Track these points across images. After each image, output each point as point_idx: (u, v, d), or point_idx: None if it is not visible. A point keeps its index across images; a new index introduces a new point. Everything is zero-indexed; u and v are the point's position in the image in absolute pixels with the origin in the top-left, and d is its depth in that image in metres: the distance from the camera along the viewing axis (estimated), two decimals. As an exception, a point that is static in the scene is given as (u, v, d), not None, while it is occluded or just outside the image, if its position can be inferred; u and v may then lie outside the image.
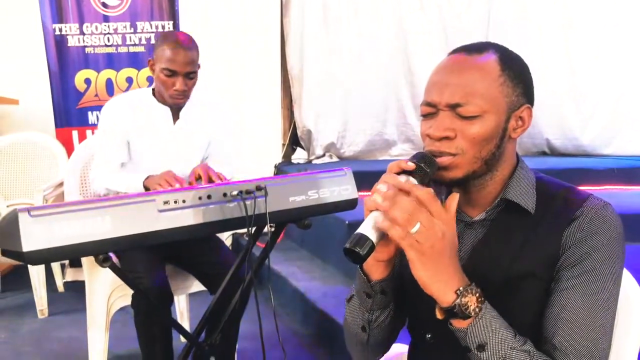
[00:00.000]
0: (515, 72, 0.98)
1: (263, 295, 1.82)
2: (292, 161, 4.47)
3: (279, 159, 4.41)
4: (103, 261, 1.38)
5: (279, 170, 4.20)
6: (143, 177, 1.96)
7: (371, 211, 0.89)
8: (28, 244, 1.26)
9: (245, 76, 4.15)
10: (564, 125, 4.44)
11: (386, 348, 1.16)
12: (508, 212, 1.00)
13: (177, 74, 2.05)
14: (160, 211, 1.41)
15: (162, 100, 2.19)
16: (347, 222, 3.06)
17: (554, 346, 0.91)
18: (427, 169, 0.93)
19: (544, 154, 4.56)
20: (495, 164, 0.99)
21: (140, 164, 2.20)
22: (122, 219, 1.37)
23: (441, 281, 0.87)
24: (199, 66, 2.15)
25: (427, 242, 0.84)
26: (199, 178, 1.96)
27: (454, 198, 0.91)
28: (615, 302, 0.93)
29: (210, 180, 1.95)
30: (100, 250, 1.37)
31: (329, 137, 4.39)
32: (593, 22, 4.41)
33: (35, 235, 1.26)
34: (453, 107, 0.95)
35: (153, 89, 2.23)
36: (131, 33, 3.65)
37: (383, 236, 0.88)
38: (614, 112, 4.46)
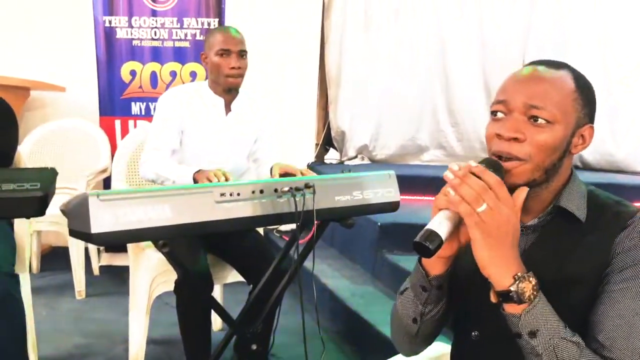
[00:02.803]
0: (586, 93, 1.04)
1: (292, 290, 1.89)
2: (325, 161, 4.52)
3: (311, 158, 4.47)
4: (162, 247, 1.46)
5: (312, 169, 4.24)
6: (194, 170, 2.04)
7: (440, 209, 0.94)
8: (96, 226, 1.34)
9: (284, 76, 4.23)
10: (598, 140, 4.42)
11: (431, 341, 1.21)
12: (559, 220, 1.05)
13: (230, 53, 2.20)
14: (217, 202, 1.49)
15: (217, 92, 2.29)
16: (379, 224, 3.11)
17: (599, 343, 0.94)
18: (495, 174, 0.96)
19: (576, 168, 4.53)
20: (554, 175, 1.04)
21: (191, 152, 2.29)
22: (181, 208, 1.44)
23: (501, 264, 0.91)
24: (247, 56, 2.27)
25: (493, 222, 0.89)
26: (285, 175, 1.99)
27: (523, 190, 0.96)
28: None
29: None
30: (160, 236, 1.45)
31: (362, 139, 4.44)
32: (631, 39, 4.39)
33: (102, 219, 1.34)
34: (529, 108, 0.99)
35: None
36: (177, 28, 3.74)
37: (451, 233, 0.93)
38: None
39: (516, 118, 1.00)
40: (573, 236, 1.03)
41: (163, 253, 1.54)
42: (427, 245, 0.91)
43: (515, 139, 1.00)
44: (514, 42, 4.38)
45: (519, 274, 0.92)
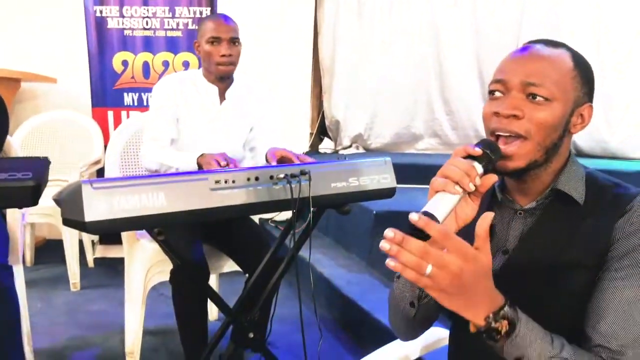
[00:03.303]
0: (585, 72, 1.03)
1: (288, 279, 1.88)
2: (319, 151, 4.51)
3: (306, 147, 4.45)
4: (157, 235, 1.45)
5: (306, 158, 4.24)
6: (197, 155, 2.02)
7: (437, 191, 0.93)
8: (90, 214, 1.33)
9: (277, 64, 4.20)
10: (592, 127, 4.43)
11: (429, 325, 1.21)
12: (558, 202, 1.04)
13: (221, 40, 2.18)
14: (212, 190, 1.48)
15: (211, 80, 2.28)
16: (374, 212, 3.09)
17: (598, 332, 0.94)
18: (492, 155, 0.97)
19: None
20: (553, 155, 1.03)
21: (186, 140, 2.27)
22: (176, 196, 1.43)
23: (469, 309, 0.85)
24: (240, 43, 2.26)
25: (443, 281, 0.81)
26: (281, 161, 1.99)
27: (488, 217, 0.88)
28: None
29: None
30: (155, 224, 1.44)
31: (357, 128, 4.42)
32: (625, 25, 4.39)
33: (96, 207, 1.33)
34: (526, 85, 0.98)
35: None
36: (169, 17, 3.71)
37: (448, 215, 0.92)
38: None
39: (514, 96, 1.00)
40: (572, 220, 1.02)
41: (158, 241, 1.53)
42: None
43: (514, 116, 0.99)
44: (507, 28, 4.36)
45: (490, 315, 0.86)
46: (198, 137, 2.27)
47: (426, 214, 0.90)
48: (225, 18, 2.23)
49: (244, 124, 2.36)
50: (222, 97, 2.31)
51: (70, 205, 1.37)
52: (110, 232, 1.50)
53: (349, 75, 4.35)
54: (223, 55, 2.18)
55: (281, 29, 4.19)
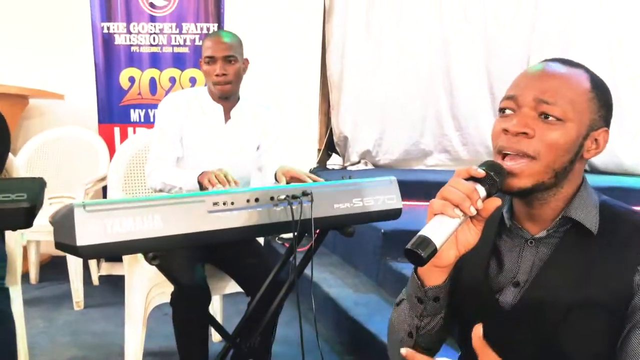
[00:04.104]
0: (603, 94, 0.98)
1: (293, 300, 1.83)
2: (327, 167, 4.47)
3: (314, 163, 4.41)
4: (152, 259, 1.40)
5: (314, 175, 4.19)
6: (197, 173, 1.99)
7: (436, 214, 0.88)
8: (82, 239, 1.29)
9: (285, 80, 4.18)
10: (606, 143, 4.34)
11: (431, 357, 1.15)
12: (572, 233, 0.98)
13: (215, 59, 2.14)
14: (210, 212, 1.43)
15: (216, 99, 2.25)
16: (382, 230, 3.03)
17: None
18: (496, 178, 0.91)
19: (584, 171, 4.46)
20: (563, 180, 0.97)
21: (190, 159, 2.24)
22: (172, 218, 1.38)
23: None
24: (246, 60, 2.23)
25: None
26: (291, 180, 1.94)
27: (477, 332, 0.90)
28: None
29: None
30: (151, 248, 1.39)
31: (365, 144, 4.38)
32: (638, 40, 4.31)
33: (89, 230, 1.29)
34: (539, 103, 0.93)
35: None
36: (176, 34, 3.70)
37: (446, 240, 0.87)
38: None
39: (525, 113, 0.94)
40: (589, 253, 0.95)
41: (154, 266, 1.48)
42: (419, 252, 0.85)
43: (524, 134, 0.93)
44: (518, 44, 4.31)
45: None
46: (203, 156, 2.24)
47: (422, 238, 0.86)
48: (224, 35, 2.19)
49: (250, 143, 2.32)
50: (227, 115, 2.28)
51: (63, 229, 1.33)
52: (104, 256, 1.45)
53: (357, 91, 4.32)
54: (217, 75, 2.15)
55: (289, 44, 4.17)
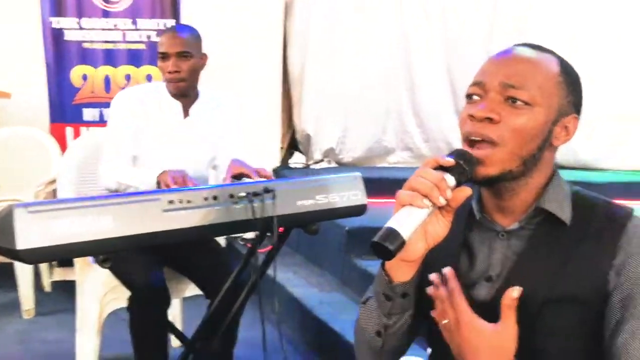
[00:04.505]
0: (572, 79, 0.96)
1: (255, 301, 1.79)
2: (290, 165, 4.41)
3: (276, 162, 4.35)
4: (103, 262, 1.32)
5: (277, 174, 4.15)
6: (157, 172, 1.90)
7: (403, 205, 0.85)
8: (23, 242, 1.20)
9: (245, 77, 4.08)
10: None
11: (400, 356, 1.11)
12: (545, 225, 0.95)
13: (168, 56, 2.06)
14: (165, 211, 1.36)
15: (174, 95, 2.16)
16: (346, 228, 3.01)
17: None
18: (465, 166, 0.88)
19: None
20: (532, 168, 0.94)
21: (147, 158, 2.15)
22: (124, 218, 1.31)
23: None
24: (204, 56, 2.15)
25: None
26: (239, 176, 1.85)
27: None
28: None
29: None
30: (101, 251, 1.31)
31: (329, 142, 4.35)
32: (596, 37, 4.41)
33: (31, 233, 1.21)
34: (505, 88, 0.90)
35: None
36: (131, 30, 3.58)
37: (415, 232, 0.84)
38: (615, 126, 4.44)
39: (492, 98, 0.91)
40: (563, 245, 0.93)
41: (107, 269, 1.40)
42: (386, 245, 0.81)
43: (489, 119, 0.90)
44: (477, 40, 4.33)
45: None
46: (160, 154, 2.14)
47: (390, 230, 0.82)
48: (180, 30, 2.13)
49: (210, 141, 2.23)
50: (186, 112, 2.19)
51: (3, 232, 1.23)
52: (49, 260, 1.36)
53: (319, 88, 4.27)
54: (169, 72, 2.07)
55: (249, 39, 4.09)
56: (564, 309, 0.90)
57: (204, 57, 2.17)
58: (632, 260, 0.89)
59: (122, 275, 1.85)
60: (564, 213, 0.94)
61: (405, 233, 0.82)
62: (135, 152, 2.14)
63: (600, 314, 0.90)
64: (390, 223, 0.83)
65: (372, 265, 2.84)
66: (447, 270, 0.92)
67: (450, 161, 0.88)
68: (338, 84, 4.29)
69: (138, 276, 1.89)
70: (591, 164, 4.45)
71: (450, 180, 0.87)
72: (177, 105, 2.16)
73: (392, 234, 0.82)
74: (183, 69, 2.07)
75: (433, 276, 0.93)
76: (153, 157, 2.14)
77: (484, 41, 4.33)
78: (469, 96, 0.96)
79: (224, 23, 4.00)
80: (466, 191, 0.89)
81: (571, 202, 0.96)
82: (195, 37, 2.14)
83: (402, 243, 0.82)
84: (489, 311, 0.92)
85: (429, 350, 1.14)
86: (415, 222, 0.84)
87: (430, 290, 0.94)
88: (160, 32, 3.55)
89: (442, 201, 0.85)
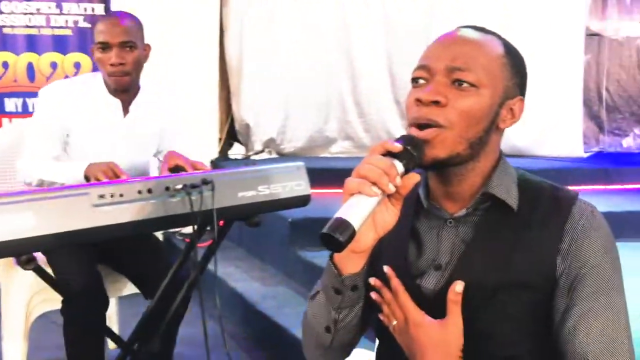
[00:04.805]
0: (517, 61, 0.95)
1: (196, 298, 1.72)
2: (229, 156, 4.33)
3: (215, 154, 4.25)
4: (26, 263, 1.22)
5: (216, 166, 4.05)
6: (84, 166, 1.75)
7: (352, 194, 0.82)
8: None
9: (179, 66, 3.95)
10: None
11: (349, 352, 1.08)
12: (493, 210, 0.94)
13: (110, 46, 1.87)
14: (95, 206, 1.26)
15: (112, 91, 1.98)
16: (289, 219, 2.98)
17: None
18: (413, 152, 0.86)
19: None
20: (480, 151, 0.93)
21: (79, 158, 1.95)
22: (48, 215, 1.21)
23: None
24: (147, 46, 1.99)
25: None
26: (175, 169, 1.72)
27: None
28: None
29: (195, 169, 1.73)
30: (23, 250, 1.20)
31: (269, 132, 4.29)
32: (530, 24, 4.53)
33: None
34: (451, 71, 0.89)
35: None
36: (56, 14, 3.38)
37: (365, 221, 0.81)
38: (547, 114, 4.59)
39: (438, 81, 0.90)
40: (511, 231, 0.92)
41: (30, 270, 1.29)
42: (336, 237, 0.77)
43: (436, 103, 0.89)
44: (418, 25, 4.37)
45: None
46: (96, 154, 1.94)
47: (339, 220, 0.79)
48: (121, 17, 1.94)
49: (152, 136, 2.09)
50: (125, 110, 2.01)
51: None
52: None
53: (258, 77, 4.21)
54: (112, 64, 1.87)
55: (182, 26, 3.96)
56: (514, 296, 0.89)
57: (147, 47, 2.00)
58: (577, 244, 0.89)
59: (54, 276, 1.72)
60: (511, 198, 0.93)
61: (355, 223, 0.79)
62: (59, 152, 1.97)
63: (550, 299, 0.90)
64: (340, 213, 0.80)
65: (316, 257, 2.82)
66: (387, 270, 0.92)
67: (398, 147, 0.85)
68: (277, 73, 4.24)
69: (72, 276, 1.77)
70: (525, 150, 4.59)
71: (399, 166, 0.85)
72: (116, 103, 1.99)
73: (342, 224, 0.78)
74: (128, 61, 1.89)
75: (373, 280, 0.93)
76: (90, 157, 1.95)
77: (424, 30, 4.38)
78: (414, 80, 0.94)
79: (157, 9, 3.84)
80: (415, 177, 0.87)
81: (517, 186, 0.96)
82: (138, 25, 1.97)
83: (353, 233, 0.79)
84: (438, 301, 0.91)
85: (377, 341, 1.12)
86: (365, 211, 0.81)
87: (374, 295, 0.94)
88: (94, 19, 3.37)
89: (391, 188, 0.83)
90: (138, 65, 1.95)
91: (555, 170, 4.14)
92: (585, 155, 4.87)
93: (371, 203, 0.82)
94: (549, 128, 4.65)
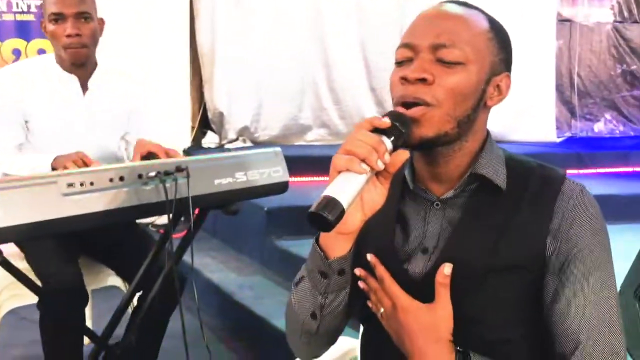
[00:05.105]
0: (501, 35, 0.92)
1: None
2: (203, 145, 4.27)
3: (187, 143, 4.19)
4: (-9, 257, 1.15)
5: (189, 155, 3.97)
6: (50, 158, 1.68)
7: (340, 172, 0.79)
8: None
9: (149, 53, 3.88)
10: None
11: (335, 339, 1.05)
12: (481, 191, 0.92)
13: (65, 17, 1.79)
14: (65, 195, 1.20)
15: (67, 68, 1.90)
16: (265, 208, 2.96)
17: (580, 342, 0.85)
18: (402, 128, 0.83)
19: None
20: (467, 131, 0.90)
21: (42, 146, 1.89)
22: (15, 205, 1.15)
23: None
24: (101, 20, 1.91)
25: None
26: (147, 157, 1.65)
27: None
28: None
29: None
30: (-14, 243, 1.14)
31: (243, 120, 4.25)
32: (501, 10, 4.52)
33: None
34: (436, 48, 0.86)
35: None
36: (18, -1, 3.25)
37: (354, 200, 0.78)
38: (520, 99, 4.61)
39: (423, 58, 0.87)
40: (500, 212, 0.90)
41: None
42: (325, 215, 0.74)
43: (423, 80, 0.86)
44: (391, 13, 4.35)
45: None
46: (58, 138, 1.88)
47: (328, 198, 0.75)
48: None
49: (117, 117, 2.01)
50: (84, 87, 1.94)
51: None
52: None
53: (230, 64, 4.15)
54: (69, 35, 1.79)
55: (152, 13, 3.87)
56: (504, 278, 0.87)
57: (101, 21, 1.93)
58: (567, 223, 0.88)
59: (21, 274, 1.64)
60: (499, 178, 0.91)
61: (344, 201, 0.76)
62: (21, 139, 1.89)
63: (540, 280, 0.88)
64: (328, 191, 0.77)
65: (293, 246, 2.81)
66: (371, 258, 0.91)
67: (387, 122, 0.82)
68: (251, 59, 4.19)
69: (50, 272, 1.70)
70: (498, 136, 4.60)
71: (388, 143, 0.82)
72: (73, 79, 1.91)
73: (331, 202, 0.75)
74: (84, 32, 1.81)
75: (358, 271, 0.91)
76: (50, 142, 1.88)
77: (397, 16, 4.35)
78: (399, 60, 0.91)
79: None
80: (404, 154, 0.84)
81: (505, 166, 0.93)
82: None
83: (342, 212, 0.76)
84: (426, 285, 0.88)
85: (362, 328, 1.09)
86: (353, 189, 0.78)
87: (361, 284, 0.92)
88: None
89: (380, 165, 0.80)
90: (94, 38, 1.88)
91: (529, 155, 4.11)
92: (558, 140, 4.93)
93: (360, 181, 0.79)
94: (522, 113, 4.68)
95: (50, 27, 1.81)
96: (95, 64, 1.95)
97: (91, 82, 1.94)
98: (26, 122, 1.89)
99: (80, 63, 1.88)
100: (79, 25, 1.80)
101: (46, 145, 1.89)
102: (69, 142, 1.87)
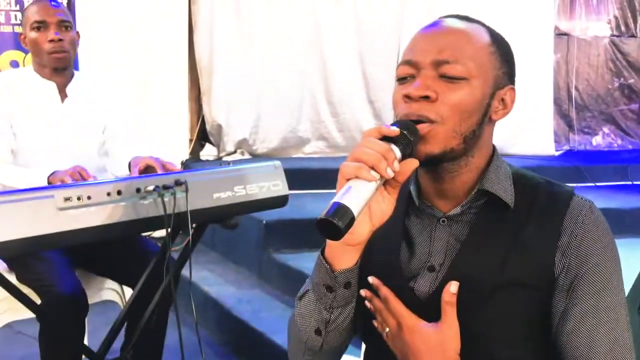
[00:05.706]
0: (503, 49, 0.91)
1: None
2: (201, 158, 4.25)
3: (186, 155, 4.17)
4: (-15, 272, 1.13)
5: (187, 167, 3.97)
6: (47, 173, 1.70)
7: (348, 179, 0.78)
8: None
9: (148, 66, 3.87)
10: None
11: (338, 358, 1.03)
12: (488, 208, 0.90)
13: (47, 24, 1.92)
14: (61, 209, 1.19)
15: (46, 75, 1.98)
16: (264, 221, 2.93)
17: None
18: (410, 137, 0.82)
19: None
20: (473, 146, 0.89)
21: (24, 151, 1.94)
22: (11, 220, 1.13)
23: None
24: (78, 33, 2.04)
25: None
26: (145, 171, 1.66)
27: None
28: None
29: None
30: (-18, 259, 1.12)
31: (241, 132, 4.23)
32: (499, 24, 4.51)
33: None
34: (439, 64, 0.85)
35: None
36: (16, 10, 3.23)
37: (363, 208, 0.77)
38: (519, 113, 4.61)
39: (426, 75, 0.86)
40: (507, 229, 0.88)
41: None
42: (335, 222, 0.73)
43: (426, 98, 0.85)
44: (388, 29, 4.36)
45: None
46: (39, 145, 1.95)
47: (337, 205, 0.74)
48: (50, 0, 1.99)
49: (95, 123, 2.07)
50: (62, 94, 2.01)
51: None
52: None
53: (229, 76, 4.14)
54: (52, 41, 1.90)
55: (151, 26, 3.85)
56: (512, 296, 0.86)
57: (78, 34, 2.06)
58: (577, 241, 0.86)
59: (16, 290, 1.62)
60: (507, 194, 0.90)
61: (354, 208, 0.75)
62: (14, 145, 1.94)
63: (549, 298, 0.87)
64: (337, 198, 0.76)
65: (291, 259, 2.79)
66: (372, 280, 0.90)
67: (396, 130, 0.81)
68: (249, 72, 4.18)
69: (49, 284, 1.68)
70: (498, 150, 4.61)
71: (396, 151, 0.81)
72: (52, 86, 1.99)
73: (341, 209, 0.74)
74: (65, 39, 1.93)
75: (363, 292, 0.91)
76: (32, 149, 1.94)
77: (395, 30, 4.37)
78: (400, 78, 0.90)
79: (123, 7, 3.73)
80: (413, 163, 0.83)
81: (512, 182, 0.92)
82: (68, 11, 2.05)
83: (352, 219, 0.74)
84: (432, 304, 0.87)
85: (364, 346, 1.07)
86: (363, 196, 0.77)
87: (367, 304, 0.91)
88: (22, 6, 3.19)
89: (390, 173, 0.79)
90: (74, 46, 2.01)
91: (528, 169, 4.17)
92: (557, 153, 4.93)
93: (369, 189, 0.78)
94: (520, 127, 4.68)
95: (33, 34, 1.93)
96: (73, 74, 2.04)
97: (69, 90, 2.02)
98: (11, 126, 1.94)
99: (63, 68, 1.98)
100: (60, 32, 1.92)
101: (28, 153, 1.96)
102: (49, 149, 1.95)
